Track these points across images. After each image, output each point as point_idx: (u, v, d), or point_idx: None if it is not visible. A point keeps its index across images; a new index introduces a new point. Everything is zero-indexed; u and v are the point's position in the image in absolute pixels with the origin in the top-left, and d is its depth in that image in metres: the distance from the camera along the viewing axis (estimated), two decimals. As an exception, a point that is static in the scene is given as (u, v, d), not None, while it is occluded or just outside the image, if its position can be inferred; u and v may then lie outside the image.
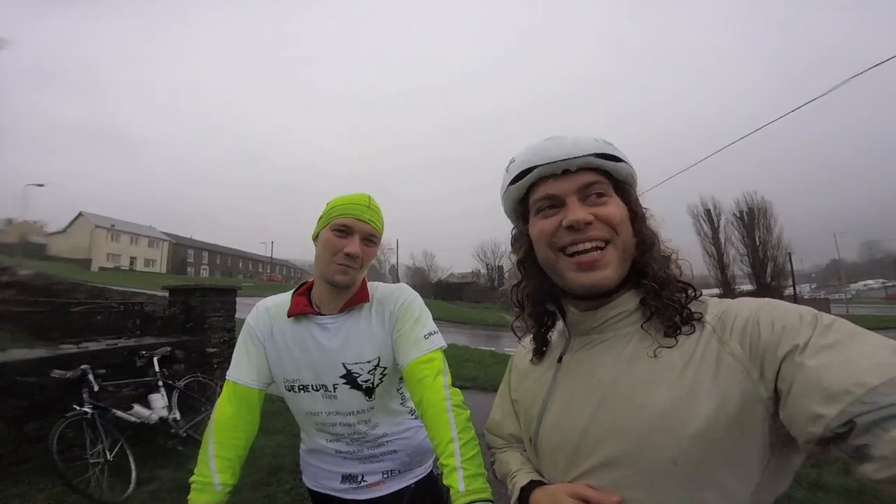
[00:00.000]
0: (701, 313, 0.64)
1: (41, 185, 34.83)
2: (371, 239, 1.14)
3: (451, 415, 0.95)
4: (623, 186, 0.71)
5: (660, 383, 0.60)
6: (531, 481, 0.73)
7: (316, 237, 1.15)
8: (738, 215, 31.64)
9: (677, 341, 0.62)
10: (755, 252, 30.68)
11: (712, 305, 0.66)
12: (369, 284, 1.21)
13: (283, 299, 1.22)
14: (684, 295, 0.66)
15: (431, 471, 1.28)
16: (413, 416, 1.27)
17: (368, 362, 1.14)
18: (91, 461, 3.03)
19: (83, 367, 3.34)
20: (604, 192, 0.68)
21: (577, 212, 0.66)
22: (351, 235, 1.10)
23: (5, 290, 9.92)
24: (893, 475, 0.44)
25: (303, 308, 1.16)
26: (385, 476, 1.22)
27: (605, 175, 0.69)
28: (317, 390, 1.15)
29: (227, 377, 1.16)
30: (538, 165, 0.69)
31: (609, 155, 0.68)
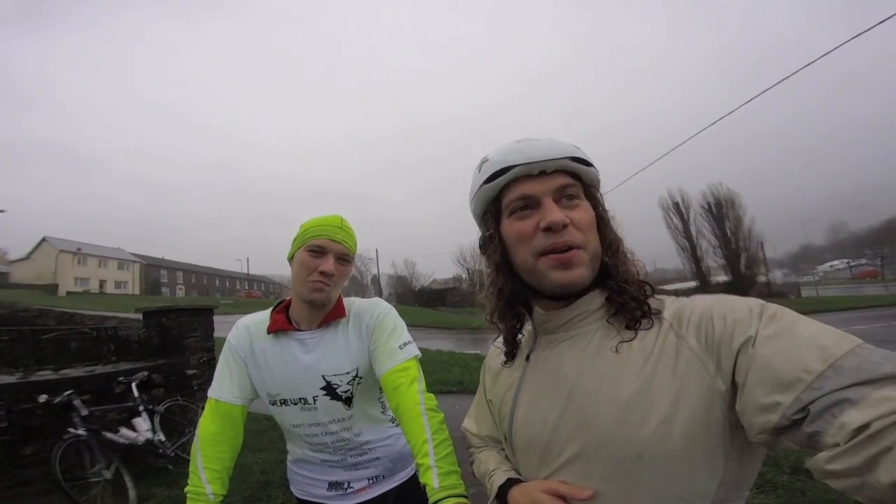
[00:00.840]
0: (659, 309, 0.66)
1: (2, 211, 33.43)
2: (344, 258, 1.19)
3: (426, 418, 1.01)
4: (591, 191, 0.72)
5: (622, 377, 0.62)
6: (508, 479, 0.74)
7: (291, 258, 1.20)
8: (707, 207, 32.56)
9: (636, 334, 0.64)
10: (727, 244, 31.63)
11: (669, 303, 0.68)
12: (345, 300, 1.26)
13: (263, 317, 1.25)
14: (643, 292, 0.68)
15: (415, 474, 1.33)
16: (394, 424, 1.32)
17: (347, 373, 1.19)
18: (92, 480, 3.12)
19: (68, 392, 3.36)
20: (575, 195, 0.69)
21: (555, 213, 0.66)
22: (325, 255, 1.15)
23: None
24: (847, 467, 0.43)
25: (281, 325, 1.20)
26: (371, 482, 1.27)
27: (577, 179, 0.70)
28: (295, 404, 1.20)
29: (209, 395, 1.19)
30: (516, 165, 0.68)
31: (581, 159, 0.69)
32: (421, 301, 38.70)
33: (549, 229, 0.66)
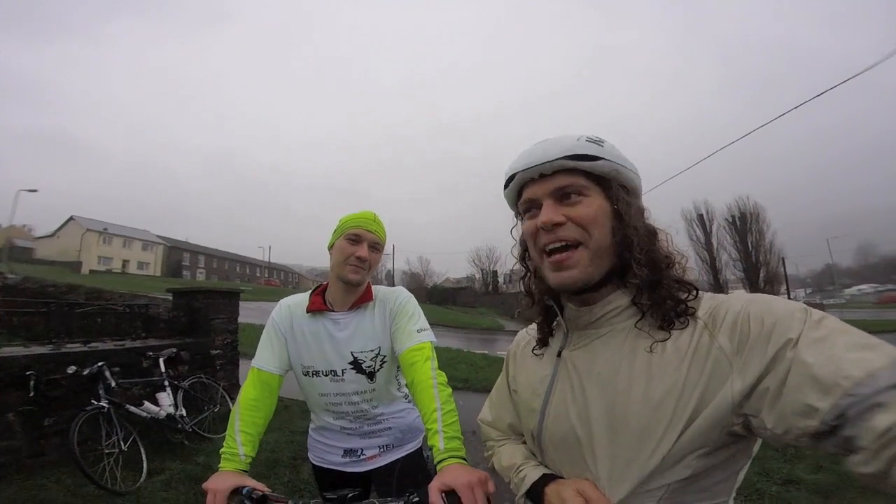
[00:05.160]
0: (694, 308, 0.66)
1: (34, 191, 34.53)
2: (376, 246, 1.39)
3: (436, 391, 1.14)
4: (608, 184, 0.71)
5: (655, 377, 0.63)
6: (544, 475, 0.75)
7: (331, 247, 1.39)
8: (731, 220, 32.02)
9: (670, 335, 0.64)
10: (748, 257, 31.04)
11: (705, 301, 0.67)
12: (373, 287, 1.44)
13: (302, 298, 1.44)
14: (686, 294, 0.67)
15: (420, 448, 1.51)
16: (407, 400, 1.50)
17: (371, 351, 1.37)
18: (106, 451, 3.21)
19: (100, 363, 3.50)
20: (579, 192, 0.70)
21: (546, 213, 0.69)
22: (360, 243, 1.34)
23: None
24: (879, 469, 0.45)
25: (318, 306, 1.38)
26: (381, 450, 1.44)
27: (586, 174, 0.70)
28: (326, 375, 1.37)
29: (252, 364, 1.36)
30: (518, 172, 0.74)
31: (583, 155, 0.69)
32: (433, 299, 39.01)
33: (543, 228, 0.70)
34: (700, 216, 33.14)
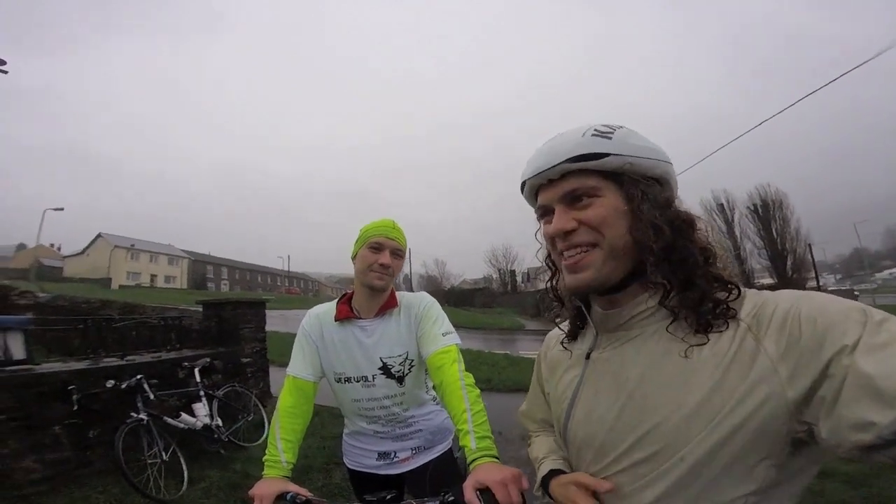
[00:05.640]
0: (735, 309, 0.60)
1: (60, 210, 35.35)
2: (397, 252, 1.43)
3: (465, 392, 1.18)
4: (623, 179, 0.66)
5: (689, 384, 0.59)
6: (551, 470, 0.78)
7: (354, 256, 1.44)
8: (753, 208, 31.23)
9: (709, 339, 0.60)
10: (773, 245, 30.22)
11: (749, 298, 0.62)
12: (396, 293, 1.48)
13: (330, 307, 1.50)
14: (726, 294, 0.62)
15: (450, 448, 1.55)
16: (435, 403, 1.56)
17: (399, 356, 1.42)
18: (149, 462, 3.30)
19: (139, 376, 3.60)
20: (588, 193, 0.66)
21: (558, 222, 0.68)
22: (382, 251, 1.39)
23: (26, 313, 9.74)
24: None
25: (346, 313, 1.44)
26: (413, 452, 1.49)
27: (596, 172, 0.66)
28: (358, 381, 1.42)
29: (287, 372, 1.42)
30: (527, 179, 0.72)
31: (588, 154, 0.65)
32: (450, 301, 38.97)
33: (556, 237, 0.69)
34: (720, 205, 32.38)
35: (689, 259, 0.63)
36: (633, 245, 0.65)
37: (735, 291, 0.62)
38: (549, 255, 0.79)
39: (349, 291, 1.53)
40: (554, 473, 0.78)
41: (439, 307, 1.47)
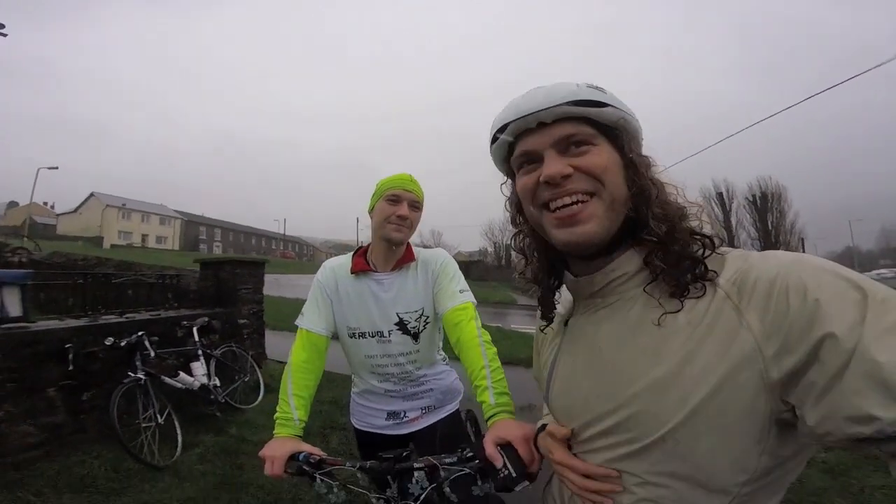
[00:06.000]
0: (715, 272, 0.56)
1: (55, 168, 34.85)
2: (415, 204, 1.39)
3: (483, 349, 1.17)
4: (615, 133, 0.63)
5: (661, 354, 0.56)
6: (542, 426, 0.81)
7: (371, 210, 1.41)
8: (752, 199, 31.41)
9: (683, 305, 0.56)
10: (767, 236, 30.53)
11: (731, 262, 0.57)
12: (413, 248, 1.45)
13: (345, 260, 1.46)
14: (700, 248, 0.58)
15: (458, 409, 1.55)
16: (445, 363, 1.56)
17: (415, 311, 1.40)
18: (143, 425, 3.21)
19: (140, 333, 3.53)
20: (586, 140, 0.61)
21: (552, 165, 0.61)
22: (400, 202, 1.36)
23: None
24: None
25: (362, 266, 1.41)
26: (423, 412, 1.48)
27: (591, 123, 0.62)
28: (373, 336, 1.40)
29: (299, 326, 1.38)
30: (511, 122, 0.64)
31: (588, 101, 0.60)
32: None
33: (548, 182, 0.62)
34: (719, 194, 32.55)
35: (671, 215, 0.60)
36: (628, 199, 0.62)
37: (708, 242, 0.58)
38: (514, 216, 0.75)
39: (364, 245, 1.50)
40: (541, 429, 0.80)
41: (456, 264, 1.45)
